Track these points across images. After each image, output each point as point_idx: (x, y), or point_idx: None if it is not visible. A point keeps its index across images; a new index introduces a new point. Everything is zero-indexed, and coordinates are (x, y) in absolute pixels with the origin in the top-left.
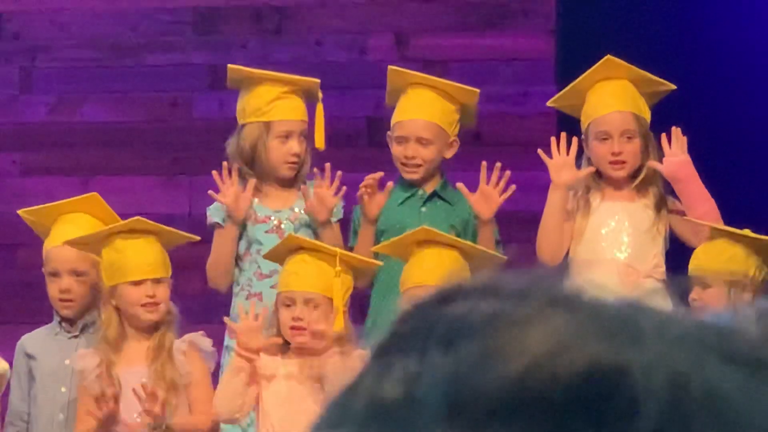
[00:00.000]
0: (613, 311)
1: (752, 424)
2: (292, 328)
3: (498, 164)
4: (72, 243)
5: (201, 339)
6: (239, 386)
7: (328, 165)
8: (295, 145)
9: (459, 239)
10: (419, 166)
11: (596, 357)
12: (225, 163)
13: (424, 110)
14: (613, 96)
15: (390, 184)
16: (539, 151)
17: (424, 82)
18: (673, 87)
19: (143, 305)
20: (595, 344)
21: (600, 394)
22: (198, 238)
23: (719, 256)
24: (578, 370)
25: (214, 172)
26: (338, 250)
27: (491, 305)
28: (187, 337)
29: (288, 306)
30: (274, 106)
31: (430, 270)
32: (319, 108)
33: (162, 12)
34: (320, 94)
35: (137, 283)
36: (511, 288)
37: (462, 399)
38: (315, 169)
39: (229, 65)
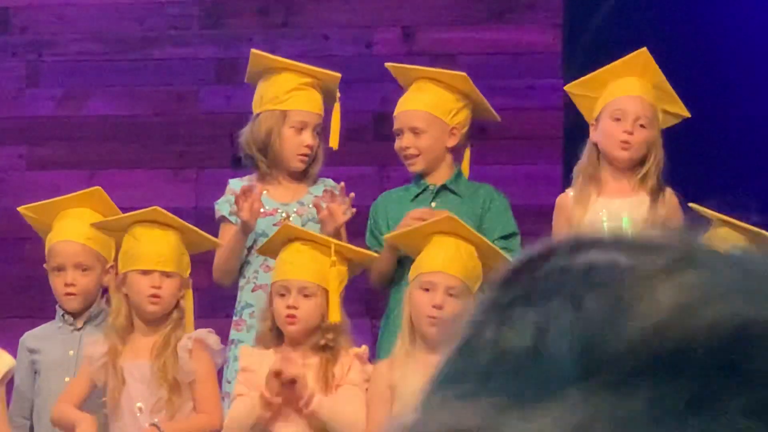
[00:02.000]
0: (750, 266)
1: None
2: (287, 316)
3: (342, 184)
4: (98, 225)
5: (209, 336)
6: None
7: (342, 184)
8: (308, 138)
9: (481, 237)
10: (416, 156)
11: (739, 313)
12: (247, 185)
13: (413, 101)
14: (637, 84)
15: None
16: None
17: (420, 74)
18: (688, 115)
19: (147, 296)
20: (736, 300)
21: (745, 353)
22: (221, 244)
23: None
24: (721, 326)
25: (239, 195)
26: (333, 240)
27: (621, 258)
28: (194, 333)
29: (282, 295)
30: (291, 95)
31: (449, 258)
32: (337, 107)
33: (168, 5)
34: (338, 93)
35: (146, 273)
36: (641, 241)
37: (594, 356)
38: (326, 188)
39: (252, 50)
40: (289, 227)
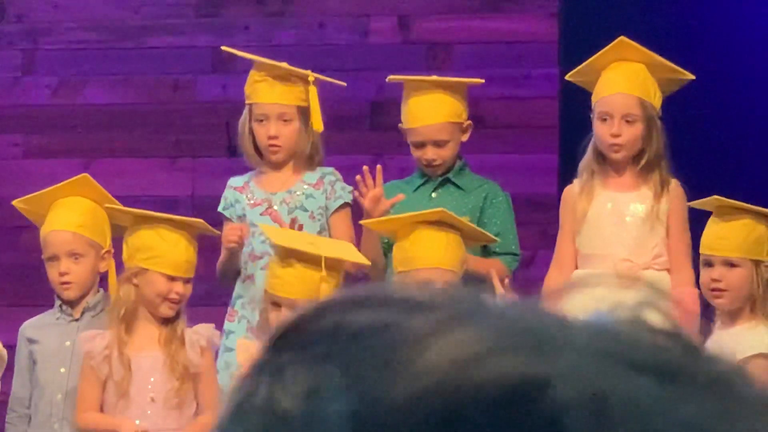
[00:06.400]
0: (519, 321)
1: None
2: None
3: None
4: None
5: (214, 333)
6: None
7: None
8: (271, 128)
9: (472, 225)
10: (441, 164)
11: (511, 369)
12: (231, 225)
13: (434, 113)
14: (621, 77)
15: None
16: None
17: (429, 83)
18: (692, 77)
19: (167, 299)
20: (508, 356)
21: (519, 409)
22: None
23: (748, 235)
24: (493, 383)
25: (230, 229)
26: (324, 254)
27: (392, 317)
28: (202, 329)
29: (276, 306)
30: (253, 89)
31: (437, 252)
32: (312, 90)
33: None
34: (312, 77)
35: (172, 278)
36: (415, 299)
37: (365, 420)
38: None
39: (221, 47)
40: (282, 245)
